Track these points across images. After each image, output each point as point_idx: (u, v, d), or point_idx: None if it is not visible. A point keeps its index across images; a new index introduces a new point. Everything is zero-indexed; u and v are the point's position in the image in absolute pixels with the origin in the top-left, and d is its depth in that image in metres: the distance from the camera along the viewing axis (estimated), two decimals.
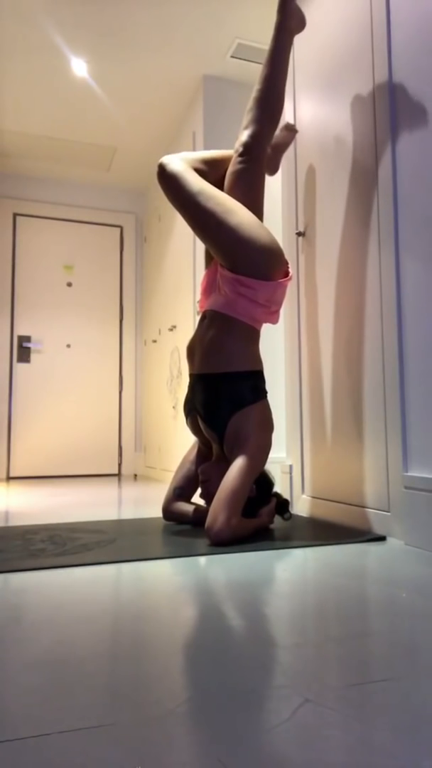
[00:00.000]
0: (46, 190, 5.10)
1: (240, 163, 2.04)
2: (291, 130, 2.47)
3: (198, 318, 3.72)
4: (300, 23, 2.18)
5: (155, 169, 4.95)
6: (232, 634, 0.97)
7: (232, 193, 2.03)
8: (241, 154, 2.04)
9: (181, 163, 1.98)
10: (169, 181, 1.94)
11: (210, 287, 2.09)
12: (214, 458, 2.05)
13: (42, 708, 0.71)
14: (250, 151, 2.04)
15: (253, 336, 1.99)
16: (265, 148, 2.06)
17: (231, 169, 2.07)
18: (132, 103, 4.01)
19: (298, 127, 2.62)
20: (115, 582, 1.33)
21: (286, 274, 2.00)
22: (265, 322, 2.02)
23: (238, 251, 1.89)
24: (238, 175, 2.04)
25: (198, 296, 3.71)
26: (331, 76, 2.34)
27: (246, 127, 2.07)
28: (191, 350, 2.09)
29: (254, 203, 2.03)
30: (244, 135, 2.06)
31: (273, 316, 2.02)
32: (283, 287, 1.97)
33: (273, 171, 2.43)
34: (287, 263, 2.00)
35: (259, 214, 2.06)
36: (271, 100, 2.07)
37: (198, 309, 2.20)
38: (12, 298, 4.93)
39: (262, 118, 2.06)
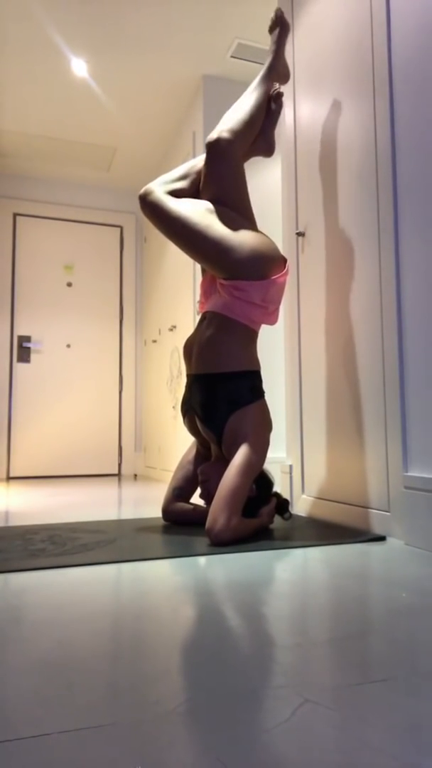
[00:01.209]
0: (46, 190, 5.11)
1: (214, 162, 2.00)
2: (278, 98, 2.31)
3: (198, 318, 3.73)
4: (285, 74, 2.35)
5: (155, 169, 4.96)
6: (232, 634, 0.97)
7: (211, 191, 2.01)
8: (214, 148, 1.99)
9: (158, 191, 2.01)
10: (151, 212, 2.00)
11: (210, 289, 2.13)
12: (212, 458, 2.05)
13: (42, 708, 0.71)
14: (228, 145, 1.99)
15: (251, 337, 2.00)
16: (240, 149, 2.04)
17: (206, 170, 2.03)
18: (132, 103, 4.01)
19: (297, 127, 2.62)
20: (115, 582, 1.33)
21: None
22: (264, 323, 2.02)
23: (228, 261, 1.93)
24: (216, 176, 2.01)
25: (198, 296, 3.72)
26: (331, 75, 2.33)
27: (224, 124, 2.04)
28: (188, 350, 2.10)
29: (240, 201, 2.03)
30: (223, 130, 2.01)
31: (271, 317, 2.03)
32: (277, 285, 1.97)
33: (269, 151, 2.33)
34: (284, 260, 2.00)
35: (247, 208, 2.05)
36: (253, 114, 2.12)
37: (198, 310, 2.21)
38: (12, 298, 4.93)
39: (244, 123, 2.07)
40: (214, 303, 2.02)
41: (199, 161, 2.13)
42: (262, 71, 2.27)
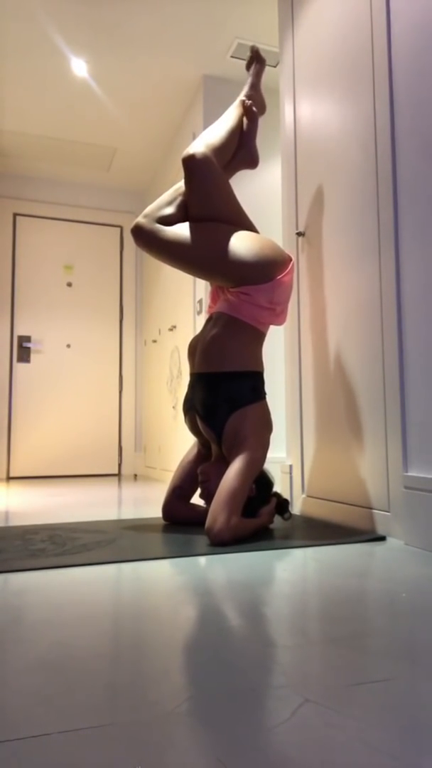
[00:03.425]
0: (46, 190, 5.11)
1: (193, 177, 1.98)
2: (250, 111, 2.30)
3: (200, 320, 3.73)
4: (262, 106, 2.44)
5: (155, 169, 4.96)
6: (232, 634, 0.97)
7: (198, 207, 2.00)
8: (190, 163, 1.97)
9: (147, 223, 2.01)
10: (146, 245, 2.00)
11: (217, 293, 2.17)
12: (213, 458, 2.05)
13: (42, 708, 0.71)
14: (203, 157, 1.97)
15: (257, 337, 2.00)
16: (217, 160, 2.03)
17: (187, 187, 2.01)
18: (132, 103, 4.01)
19: (297, 127, 2.62)
20: (115, 582, 1.33)
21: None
22: (271, 323, 2.03)
23: (233, 271, 1.94)
24: (198, 190, 1.99)
25: (198, 295, 3.72)
26: (331, 75, 2.34)
27: (197, 140, 2.04)
28: (192, 349, 2.11)
29: (230, 209, 2.03)
30: (196, 145, 2.01)
31: (279, 318, 2.03)
32: (283, 285, 1.97)
33: (253, 163, 2.34)
34: (288, 260, 2.00)
35: (239, 214, 2.06)
36: (228, 128, 2.16)
37: (206, 312, 2.23)
38: (12, 298, 4.93)
39: (217, 136, 2.09)
40: (221, 305, 2.03)
41: (182, 184, 2.12)
42: (237, 99, 2.36)
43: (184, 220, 2.04)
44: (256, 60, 2.46)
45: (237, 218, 2.04)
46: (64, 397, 5.01)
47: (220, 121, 2.20)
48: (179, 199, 2.07)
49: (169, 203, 2.06)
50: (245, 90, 2.42)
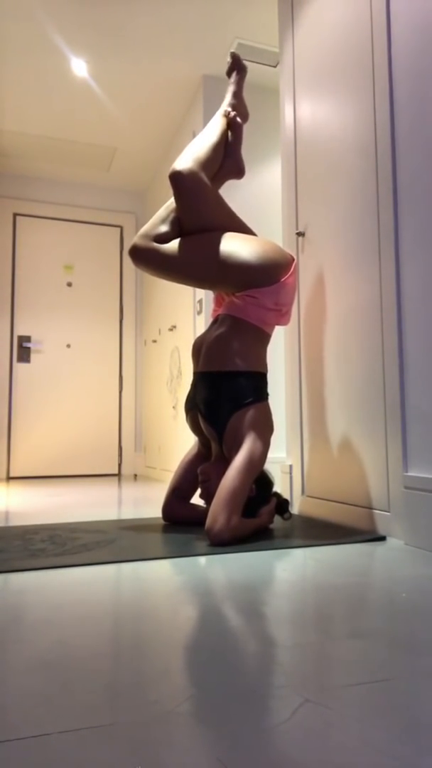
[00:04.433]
0: (46, 190, 5.10)
1: (182, 194, 1.96)
2: (234, 122, 2.28)
3: (200, 320, 3.73)
4: (245, 114, 2.40)
5: (155, 169, 4.96)
6: (232, 634, 0.97)
7: (192, 222, 1.99)
8: (177, 180, 1.95)
9: (143, 242, 2.01)
10: (145, 264, 2.00)
11: (222, 295, 2.17)
12: (213, 458, 2.05)
13: (42, 708, 0.71)
14: (190, 173, 1.95)
15: (261, 338, 2.00)
16: (204, 173, 2.01)
17: (178, 204, 1.99)
18: (132, 103, 4.01)
19: (297, 127, 2.62)
20: (115, 582, 1.33)
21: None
22: (277, 324, 2.04)
23: (238, 280, 1.95)
24: (188, 206, 1.97)
25: (198, 295, 3.72)
26: (331, 76, 2.34)
27: (183, 155, 2.02)
28: (197, 349, 2.12)
29: (225, 219, 2.03)
30: (181, 161, 1.98)
31: (284, 318, 2.04)
32: (288, 287, 1.98)
33: (240, 173, 2.33)
34: (291, 261, 2.00)
35: (234, 222, 2.05)
36: (213, 141, 2.13)
37: (211, 316, 2.23)
38: (12, 298, 4.93)
39: (203, 149, 2.07)
40: (226, 306, 2.03)
41: (174, 200, 2.11)
42: (220, 109, 2.33)
43: (179, 236, 2.03)
44: (237, 67, 2.41)
45: (235, 227, 2.05)
46: (64, 397, 5.01)
47: (205, 133, 2.17)
48: (172, 215, 2.05)
49: (163, 221, 2.04)
50: (227, 99, 2.37)
